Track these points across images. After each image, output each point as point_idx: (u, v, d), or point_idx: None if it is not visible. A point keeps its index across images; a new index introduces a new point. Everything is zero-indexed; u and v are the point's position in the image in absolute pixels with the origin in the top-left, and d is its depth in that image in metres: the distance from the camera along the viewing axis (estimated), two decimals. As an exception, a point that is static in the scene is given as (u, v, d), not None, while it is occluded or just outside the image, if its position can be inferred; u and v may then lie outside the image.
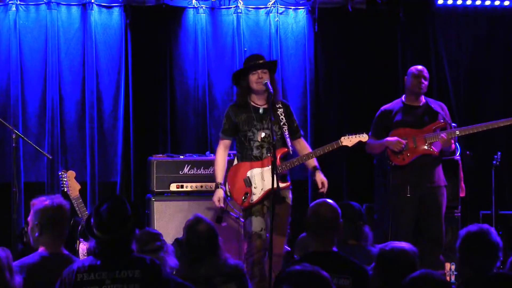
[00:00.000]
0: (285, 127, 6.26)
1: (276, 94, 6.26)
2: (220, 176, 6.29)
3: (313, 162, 6.35)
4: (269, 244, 5.94)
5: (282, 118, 6.26)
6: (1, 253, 3.63)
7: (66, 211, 4.39)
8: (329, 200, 4.51)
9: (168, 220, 7.12)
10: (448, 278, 6.14)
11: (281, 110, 6.29)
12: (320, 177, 6.31)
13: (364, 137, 6.32)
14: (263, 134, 6.24)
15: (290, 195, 6.34)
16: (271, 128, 5.99)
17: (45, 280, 4.12)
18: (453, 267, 6.62)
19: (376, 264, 4.00)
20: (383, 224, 7.16)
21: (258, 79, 6.17)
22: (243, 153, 6.30)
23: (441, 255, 6.73)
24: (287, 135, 6.25)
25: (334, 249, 4.36)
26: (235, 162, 6.38)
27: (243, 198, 6.20)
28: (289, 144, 6.25)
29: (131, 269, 3.84)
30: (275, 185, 5.75)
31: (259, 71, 6.18)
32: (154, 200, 7.23)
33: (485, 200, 7.98)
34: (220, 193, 6.24)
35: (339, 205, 4.50)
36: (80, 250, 6.47)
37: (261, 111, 6.26)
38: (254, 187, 6.21)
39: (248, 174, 6.25)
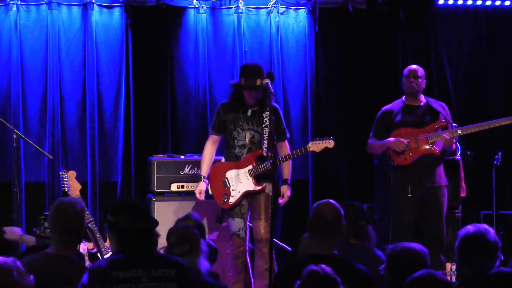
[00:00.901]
0: (266, 130, 6.48)
1: (269, 97, 6.33)
2: (204, 169, 6.67)
3: (286, 174, 6.65)
4: (252, 239, 6.17)
5: (265, 121, 6.49)
6: (8, 261, 3.60)
7: (65, 214, 4.26)
8: (332, 201, 4.48)
9: (169, 221, 7.09)
10: (448, 278, 6.14)
11: (267, 113, 6.46)
12: (284, 188, 6.63)
13: (330, 143, 6.57)
14: (249, 135, 6.51)
15: (271, 187, 6.42)
16: (271, 126, 6.12)
17: (41, 280, 4.09)
18: (453, 267, 6.62)
19: (387, 265, 4.00)
20: (384, 224, 7.16)
21: (251, 96, 6.47)
22: (227, 151, 6.65)
23: (442, 255, 6.72)
24: (266, 138, 6.48)
25: (335, 252, 4.34)
26: (222, 160, 6.70)
27: (223, 199, 6.51)
28: (265, 146, 6.50)
29: (167, 268, 3.85)
30: (274, 181, 6.02)
31: (254, 91, 6.44)
32: (155, 200, 7.24)
33: (485, 200, 7.97)
34: (202, 185, 6.63)
35: (341, 206, 4.48)
36: (81, 250, 6.48)
37: (249, 113, 6.53)
38: (232, 189, 6.54)
39: (227, 175, 6.57)
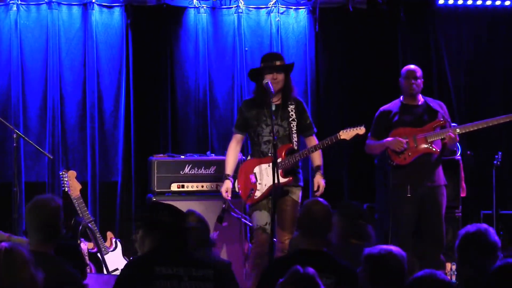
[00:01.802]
0: (294, 123, 6.35)
1: (291, 92, 6.41)
2: (229, 168, 6.46)
3: (318, 160, 6.43)
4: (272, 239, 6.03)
5: (291, 115, 6.36)
6: (22, 248, 3.57)
7: (41, 211, 4.21)
8: (321, 199, 4.57)
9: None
10: (448, 277, 6.14)
11: (292, 106, 6.39)
12: (318, 179, 6.38)
13: (361, 130, 6.35)
14: (274, 130, 6.22)
15: (300, 193, 6.41)
16: (272, 126, 6.08)
17: None
18: (453, 267, 6.64)
19: (364, 267, 4.00)
20: (384, 224, 7.16)
21: (272, 79, 6.27)
22: (253, 148, 6.48)
23: (442, 255, 6.72)
24: (294, 131, 6.35)
25: (324, 249, 4.41)
26: (248, 158, 6.54)
27: (249, 194, 6.31)
28: (295, 139, 6.33)
29: (206, 268, 3.89)
30: (274, 183, 5.80)
31: (274, 72, 6.30)
32: (155, 200, 7.23)
33: (486, 200, 7.97)
34: (227, 184, 6.40)
35: (339, 205, 4.54)
36: (81, 250, 6.48)
37: (273, 107, 6.29)
38: (259, 183, 6.32)
39: (255, 170, 6.37)
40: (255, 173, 6.37)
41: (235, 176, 6.51)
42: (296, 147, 6.38)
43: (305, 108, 6.54)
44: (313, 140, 6.52)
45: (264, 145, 6.36)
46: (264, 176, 6.33)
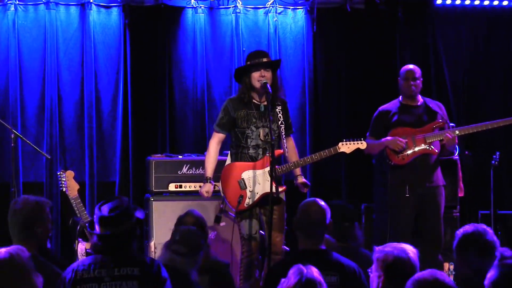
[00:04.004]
0: (282, 126, 6.20)
1: (277, 92, 6.23)
2: (210, 171, 6.27)
3: (299, 170, 6.35)
4: (265, 245, 5.98)
5: (280, 117, 6.21)
6: (23, 253, 3.56)
7: (20, 211, 4.24)
8: (319, 200, 4.58)
9: (167, 220, 7.10)
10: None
11: (279, 108, 6.23)
12: (303, 183, 6.31)
13: (362, 145, 6.31)
14: (263, 133, 6.18)
15: (284, 192, 6.31)
16: (270, 127, 5.98)
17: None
18: (451, 267, 6.63)
19: (377, 267, 3.99)
20: (382, 224, 7.16)
21: (260, 77, 6.13)
22: (238, 151, 6.25)
23: (440, 255, 6.72)
24: (283, 135, 6.20)
25: (323, 247, 4.44)
26: (228, 161, 6.32)
27: (238, 201, 6.12)
28: (285, 145, 6.19)
29: (130, 266, 3.88)
30: (273, 185, 5.76)
31: (262, 69, 6.13)
32: (153, 200, 7.23)
33: (484, 200, 7.97)
34: (208, 186, 6.23)
35: (329, 206, 4.56)
36: (79, 250, 6.49)
37: (262, 108, 6.19)
38: (249, 191, 6.15)
39: (243, 176, 6.19)
40: (243, 179, 6.17)
41: (216, 177, 6.36)
42: (286, 154, 6.27)
43: (288, 107, 6.41)
44: (291, 141, 6.40)
45: (252, 150, 6.19)
46: (256, 183, 6.15)
